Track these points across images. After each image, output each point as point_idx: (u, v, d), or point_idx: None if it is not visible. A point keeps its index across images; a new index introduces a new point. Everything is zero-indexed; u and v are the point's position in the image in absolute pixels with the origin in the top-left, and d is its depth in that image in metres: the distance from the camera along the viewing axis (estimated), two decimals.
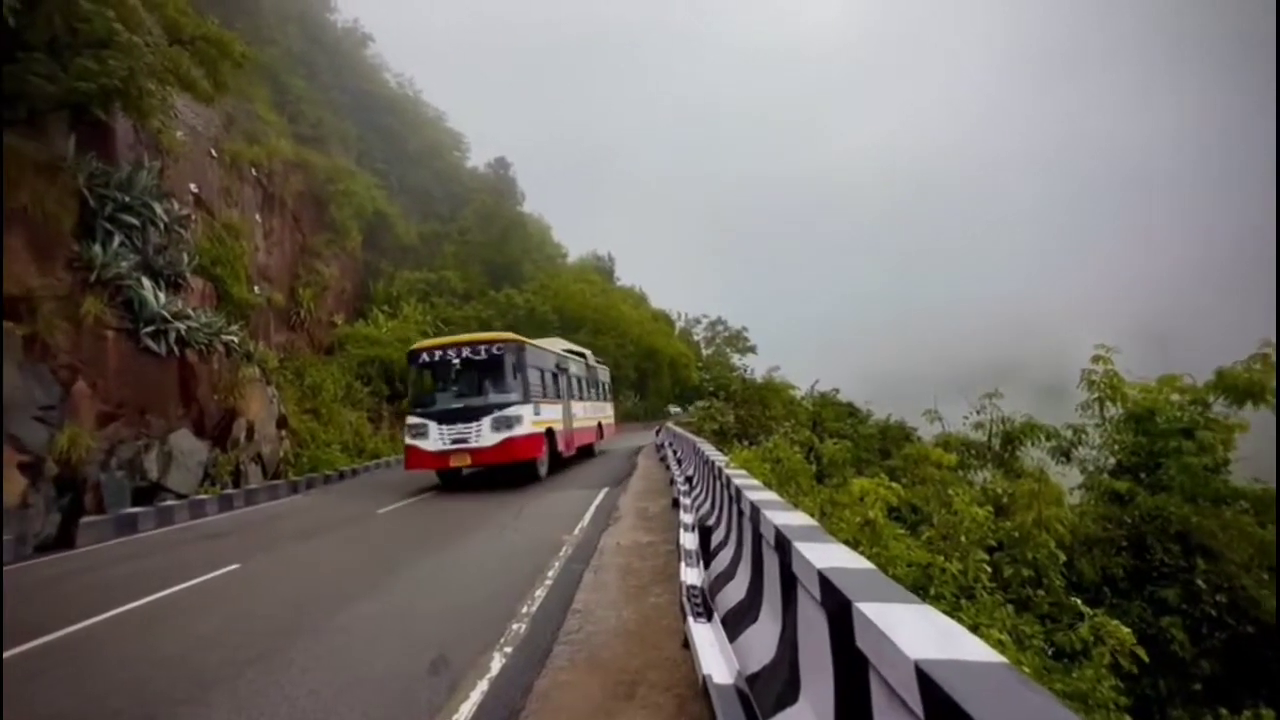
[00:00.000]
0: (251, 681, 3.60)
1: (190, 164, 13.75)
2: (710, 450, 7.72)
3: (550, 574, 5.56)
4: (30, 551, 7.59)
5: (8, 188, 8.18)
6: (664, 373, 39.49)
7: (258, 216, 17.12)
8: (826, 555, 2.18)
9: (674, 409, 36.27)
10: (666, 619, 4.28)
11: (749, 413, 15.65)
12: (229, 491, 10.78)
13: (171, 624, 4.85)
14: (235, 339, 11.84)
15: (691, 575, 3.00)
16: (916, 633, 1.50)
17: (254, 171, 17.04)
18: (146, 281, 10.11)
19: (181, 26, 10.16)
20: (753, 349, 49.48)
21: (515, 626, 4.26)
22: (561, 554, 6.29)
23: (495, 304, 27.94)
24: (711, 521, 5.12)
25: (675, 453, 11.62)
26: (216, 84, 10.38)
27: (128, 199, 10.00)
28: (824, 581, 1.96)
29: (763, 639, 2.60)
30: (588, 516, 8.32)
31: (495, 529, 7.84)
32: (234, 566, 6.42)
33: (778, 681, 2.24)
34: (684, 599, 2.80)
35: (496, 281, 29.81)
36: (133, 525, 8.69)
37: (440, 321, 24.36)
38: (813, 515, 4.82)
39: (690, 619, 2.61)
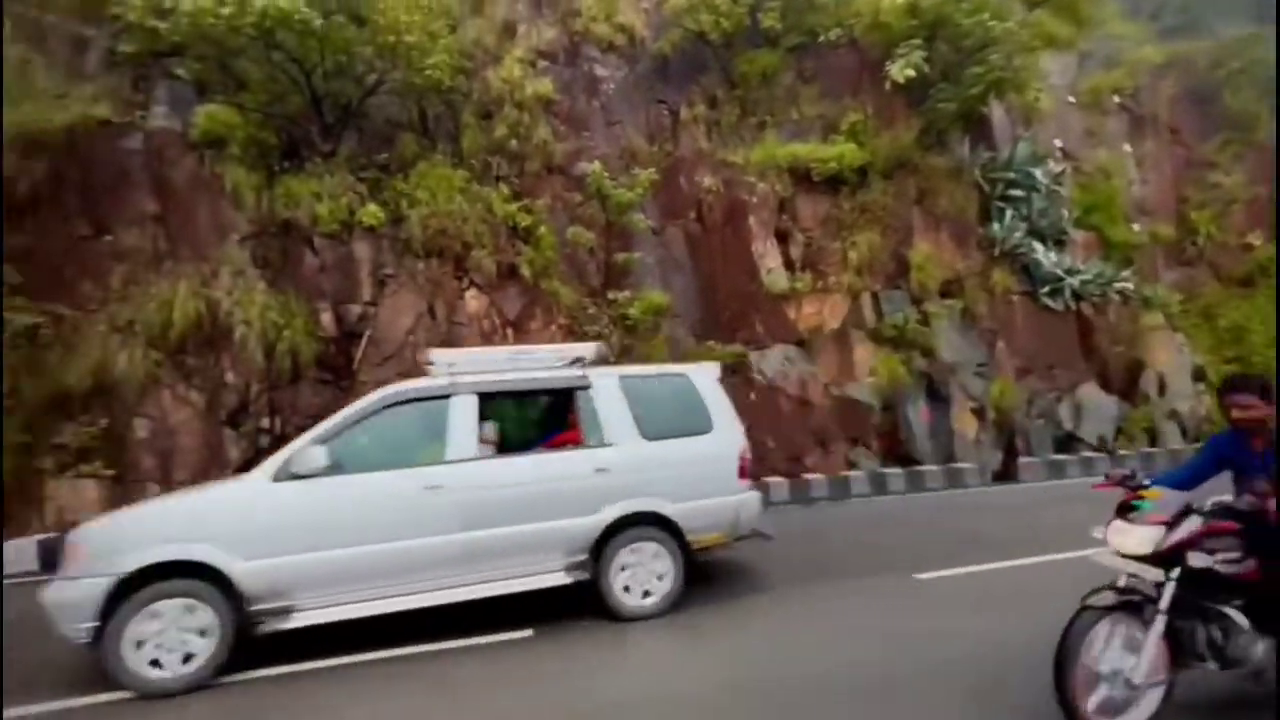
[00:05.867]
0: None
1: (1052, 120, 13.83)
2: None
3: None
4: (988, 480, 9.50)
5: (934, 199, 10.63)
6: None
7: (1126, 146, 15.33)
8: None
9: None
10: None
11: None
12: (1147, 450, 10.00)
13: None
14: (1129, 285, 10.94)
15: None
16: None
17: (1115, 98, 15.38)
18: (1036, 245, 10.83)
19: None
20: None
21: None
22: None
23: None
24: None
25: None
26: (1079, 22, 9.91)
27: (1011, 175, 11.03)
28: None
29: None
30: None
31: None
32: None
33: None
34: None
35: None
36: (1061, 470, 9.49)
37: None
38: None
39: None
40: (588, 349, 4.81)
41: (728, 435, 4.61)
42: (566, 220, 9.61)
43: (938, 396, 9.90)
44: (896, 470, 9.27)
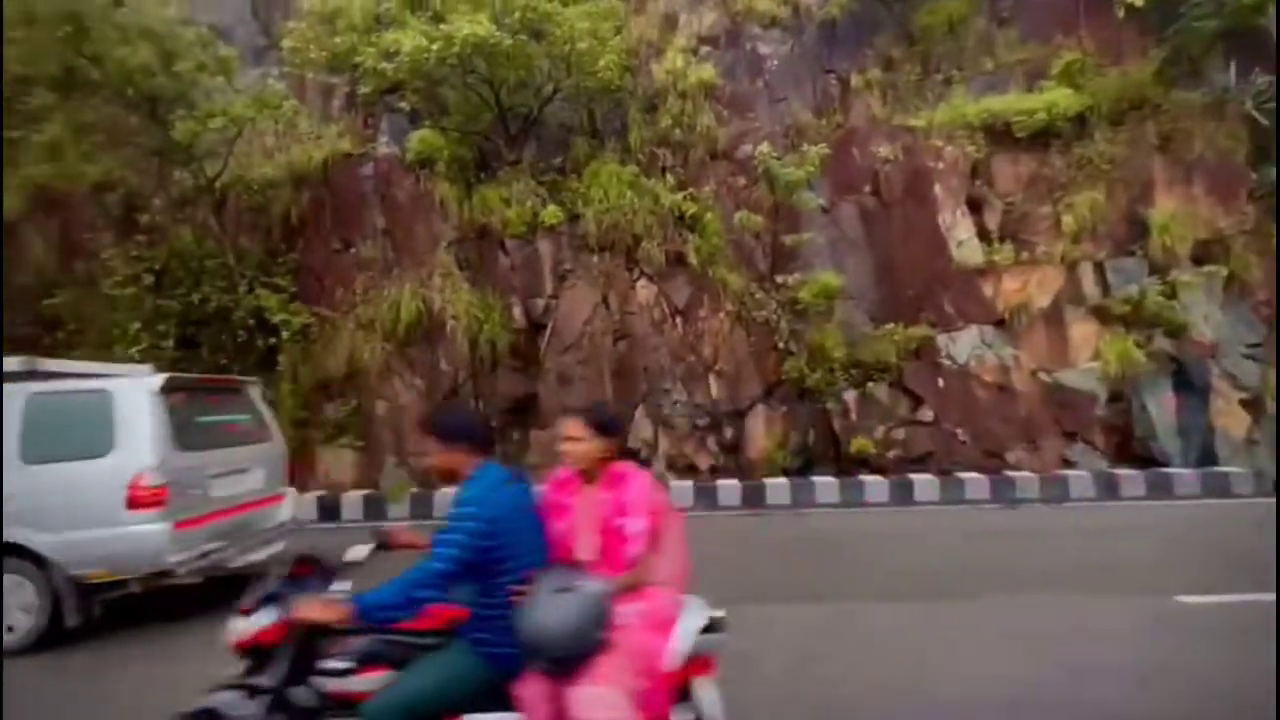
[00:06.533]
0: None
1: None
2: None
3: None
4: (1267, 489, 7.61)
5: (1184, 142, 8.69)
6: None
7: None
8: None
9: None
10: None
11: None
12: None
13: None
14: None
15: None
16: None
17: None
18: None
19: None
20: None
21: None
22: None
23: None
24: None
25: None
26: None
27: None
28: None
29: None
30: None
31: None
32: None
33: None
34: None
35: None
36: None
37: None
38: None
39: None
40: (13, 362, 4.49)
41: (125, 461, 4.22)
42: (732, 205, 9.51)
43: (1189, 384, 8.14)
44: (1131, 471, 7.83)
